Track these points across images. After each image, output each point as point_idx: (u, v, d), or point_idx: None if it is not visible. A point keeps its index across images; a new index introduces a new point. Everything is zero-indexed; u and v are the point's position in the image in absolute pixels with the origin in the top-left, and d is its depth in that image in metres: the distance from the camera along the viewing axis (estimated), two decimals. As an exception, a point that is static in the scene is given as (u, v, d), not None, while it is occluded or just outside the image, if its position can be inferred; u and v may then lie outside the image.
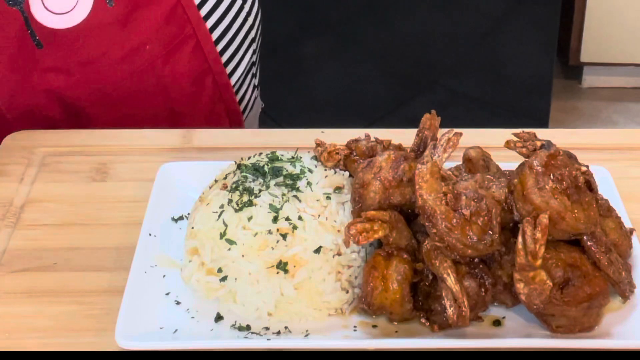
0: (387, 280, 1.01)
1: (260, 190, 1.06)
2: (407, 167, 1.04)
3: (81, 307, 1.05)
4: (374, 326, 1.02)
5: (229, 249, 1.03)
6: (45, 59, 1.34)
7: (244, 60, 1.48)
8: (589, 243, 1.00)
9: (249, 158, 1.12)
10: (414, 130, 1.13)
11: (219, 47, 1.41)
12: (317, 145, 1.13)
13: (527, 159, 1.02)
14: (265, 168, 1.09)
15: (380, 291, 1.01)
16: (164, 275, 1.08)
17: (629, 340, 0.99)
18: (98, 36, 1.34)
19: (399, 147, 1.13)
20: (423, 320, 1.02)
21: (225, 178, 1.10)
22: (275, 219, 1.03)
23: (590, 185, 1.01)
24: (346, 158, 1.12)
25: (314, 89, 2.87)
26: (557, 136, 1.18)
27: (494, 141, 1.16)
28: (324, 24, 2.83)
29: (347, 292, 1.04)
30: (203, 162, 1.23)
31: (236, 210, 1.05)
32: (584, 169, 1.01)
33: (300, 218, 1.04)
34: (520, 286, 0.98)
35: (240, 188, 1.07)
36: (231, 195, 1.06)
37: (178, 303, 1.05)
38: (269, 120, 2.70)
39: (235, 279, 1.03)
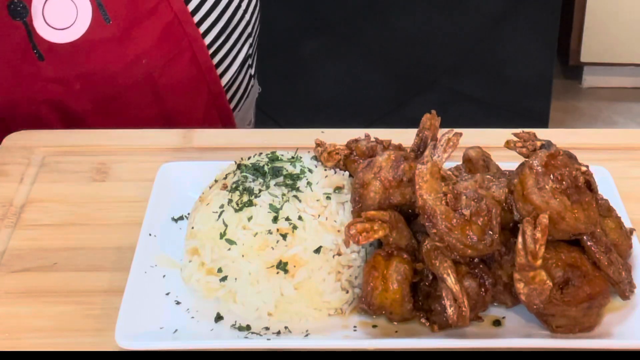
0: (387, 280, 1.01)
1: (260, 190, 1.06)
2: (407, 167, 1.04)
3: (81, 307, 1.05)
4: (374, 326, 1.02)
5: (229, 249, 1.03)
6: (47, 70, 1.38)
7: (239, 56, 1.50)
8: (589, 243, 1.00)
9: (249, 158, 1.12)
10: (414, 130, 1.13)
11: (214, 48, 1.44)
12: (317, 145, 1.13)
13: (527, 159, 1.02)
14: (265, 168, 1.09)
15: (380, 291, 1.01)
16: (164, 275, 1.08)
17: (629, 340, 0.99)
18: (97, 50, 1.38)
19: (399, 147, 1.13)
20: (423, 320, 1.02)
21: (225, 178, 1.10)
22: (275, 219, 1.03)
23: (590, 185, 1.01)
24: (346, 158, 1.12)
25: (314, 89, 2.87)
26: (557, 136, 1.18)
27: (494, 141, 1.16)
28: (324, 24, 2.83)
29: (347, 292, 1.04)
30: (203, 162, 1.23)
31: (236, 210, 1.05)
32: (584, 169, 1.01)
33: (300, 218, 1.04)
34: (520, 286, 0.98)
35: (240, 188, 1.07)
36: (231, 195, 1.06)
37: (178, 303, 1.05)
38: (269, 120, 2.70)
39: (235, 279, 1.03)
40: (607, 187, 1.15)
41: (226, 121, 1.51)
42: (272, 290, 1.02)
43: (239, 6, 1.48)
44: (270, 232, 1.03)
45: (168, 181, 1.20)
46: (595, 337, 1.00)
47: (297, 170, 1.09)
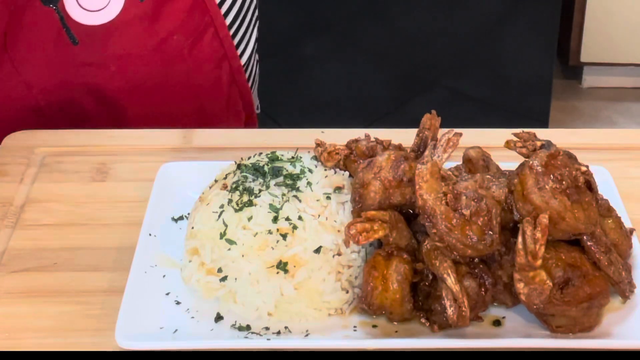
0: (387, 280, 1.01)
1: (260, 190, 1.06)
2: (408, 167, 1.04)
3: (81, 307, 1.05)
4: (374, 326, 1.02)
5: (229, 249, 1.03)
6: (81, 54, 1.39)
7: (252, 39, 1.54)
8: (589, 243, 1.00)
9: (249, 158, 1.12)
10: (414, 130, 1.13)
11: (232, 31, 1.47)
12: (317, 145, 1.13)
13: (527, 159, 1.02)
14: (265, 168, 1.09)
15: (380, 291, 1.01)
16: (164, 275, 1.08)
17: (629, 340, 0.99)
18: (131, 30, 1.40)
19: (399, 147, 1.13)
20: (423, 320, 1.02)
21: (225, 178, 1.10)
22: (275, 219, 1.03)
23: (590, 185, 1.01)
24: (346, 158, 1.12)
25: (314, 89, 2.87)
26: (557, 136, 1.18)
27: (494, 141, 1.16)
28: (324, 24, 2.83)
29: (347, 292, 1.04)
30: (203, 162, 1.23)
31: (236, 210, 1.05)
32: (584, 169, 1.01)
33: (300, 218, 1.04)
34: (520, 286, 0.98)
35: (240, 188, 1.07)
36: (231, 195, 1.06)
37: (178, 303, 1.05)
38: (269, 120, 2.70)
39: (235, 279, 1.03)
40: (607, 187, 1.15)
41: (246, 98, 1.54)
42: (272, 290, 1.02)
43: None
44: (270, 232, 1.03)
45: (168, 181, 1.20)
46: (595, 337, 0.99)
47: (297, 170, 1.09)
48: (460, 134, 1.04)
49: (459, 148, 1.04)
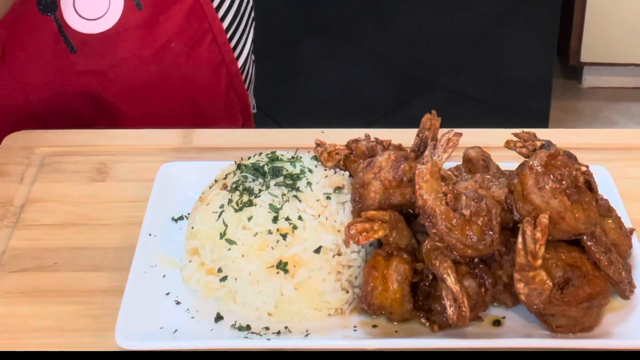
0: (387, 280, 1.01)
1: (260, 190, 1.06)
2: (408, 167, 1.04)
3: (81, 307, 1.05)
4: (374, 326, 1.02)
5: (229, 249, 1.03)
6: (79, 62, 1.40)
7: (249, 40, 1.53)
8: (589, 243, 1.00)
9: (249, 158, 1.12)
10: (414, 130, 1.13)
11: (230, 32, 1.48)
12: (317, 145, 1.13)
13: (527, 159, 1.02)
14: (265, 168, 1.09)
15: (380, 291, 1.01)
16: (164, 275, 1.08)
17: (629, 340, 0.99)
18: (129, 38, 1.40)
19: (399, 147, 1.13)
20: (423, 320, 1.02)
21: (225, 178, 1.10)
22: (275, 219, 1.03)
23: (590, 185, 1.01)
24: (346, 158, 1.12)
25: (314, 89, 2.87)
26: (557, 136, 1.18)
27: (494, 141, 1.16)
28: (324, 24, 2.83)
29: (347, 292, 1.04)
30: (203, 162, 1.23)
31: (236, 210, 1.05)
32: (584, 169, 1.01)
33: (300, 218, 1.04)
34: (520, 286, 0.98)
35: (240, 188, 1.07)
36: (231, 195, 1.06)
37: (178, 303, 1.05)
38: (269, 120, 2.70)
39: (235, 279, 1.03)
40: (607, 187, 1.15)
41: (243, 102, 1.55)
42: (272, 290, 1.02)
43: None
44: (270, 232, 1.03)
45: (168, 181, 1.20)
46: (595, 337, 1.00)
47: (297, 170, 1.09)
48: (460, 134, 1.04)
49: (459, 148, 1.04)
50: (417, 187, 1.00)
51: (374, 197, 1.04)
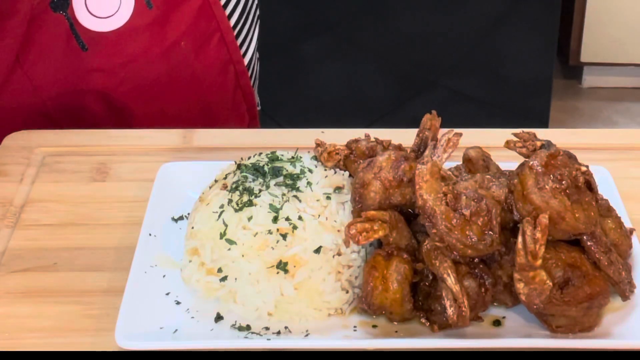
0: (387, 280, 1.01)
1: (260, 190, 1.06)
2: (408, 167, 1.04)
3: (81, 307, 1.05)
4: (374, 326, 1.02)
5: (229, 249, 1.03)
6: (90, 60, 1.40)
7: (254, 39, 1.54)
8: (589, 243, 1.00)
9: (249, 158, 1.12)
10: (414, 131, 1.13)
11: (235, 31, 1.49)
12: (317, 145, 1.13)
13: (527, 159, 1.02)
14: (265, 168, 1.09)
15: (380, 291, 1.01)
16: (164, 275, 1.08)
17: (629, 340, 0.99)
18: (139, 37, 1.41)
19: (399, 147, 1.13)
20: (423, 320, 1.02)
21: (225, 178, 1.10)
22: (275, 219, 1.03)
23: (590, 185, 1.01)
24: (346, 158, 1.12)
25: (314, 89, 2.87)
26: (557, 136, 1.18)
27: (494, 141, 1.16)
28: (324, 24, 2.83)
29: (347, 292, 1.04)
30: (203, 162, 1.23)
31: (236, 210, 1.05)
32: (584, 169, 1.01)
33: (300, 218, 1.04)
34: (520, 286, 0.98)
35: (240, 188, 1.07)
36: (231, 195, 1.06)
37: (178, 303, 1.05)
38: (269, 120, 2.70)
39: (235, 279, 1.03)
40: (607, 187, 1.15)
41: (249, 101, 1.56)
42: (272, 290, 1.02)
43: None
44: (270, 232, 1.03)
45: (168, 181, 1.20)
46: (595, 337, 1.00)
47: (297, 170, 1.09)
48: (460, 134, 1.04)
49: (459, 148, 1.04)
50: (417, 187, 1.00)
51: (374, 197, 1.04)
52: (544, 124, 2.89)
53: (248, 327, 1.02)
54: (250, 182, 1.07)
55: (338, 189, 1.08)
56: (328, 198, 1.06)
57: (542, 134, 1.09)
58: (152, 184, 1.19)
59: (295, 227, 1.03)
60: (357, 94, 2.88)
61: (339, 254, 1.04)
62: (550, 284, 0.97)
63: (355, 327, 1.02)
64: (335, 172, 1.10)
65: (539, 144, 1.05)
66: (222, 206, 1.06)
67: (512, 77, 2.86)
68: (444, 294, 0.98)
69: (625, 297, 1.03)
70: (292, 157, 1.12)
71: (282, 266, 1.02)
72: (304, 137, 1.26)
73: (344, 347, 0.99)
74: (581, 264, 0.99)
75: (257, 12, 1.59)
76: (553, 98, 2.95)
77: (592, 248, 1.00)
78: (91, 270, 1.10)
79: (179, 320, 1.02)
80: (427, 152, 1.02)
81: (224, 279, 1.04)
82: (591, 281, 0.99)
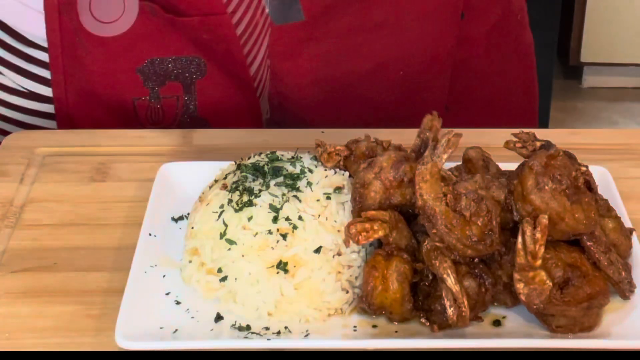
0: (387, 280, 1.01)
1: (260, 190, 1.06)
2: (408, 167, 1.04)
3: (81, 307, 1.05)
4: (374, 326, 1.02)
5: (229, 249, 1.03)
6: (94, 64, 1.39)
7: (262, 48, 1.52)
8: (588, 243, 1.00)
9: (249, 158, 1.13)
10: (415, 131, 1.13)
11: (244, 38, 1.46)
12: (317, 145, 1.13)
13: (527, 160, 1.02)
14: (265, 168, 1.09)
15: (380, 291, 1.01)
16: (164, 275, 1.08)
17: (629, 340, 0.99)
18: (143, 43, 1.40)
19: (399, 148, 1.13)
20: (423, 320, 1.02)
21: (225, 178, 1.10)
22: (275, 219, 1.03)
23: (590, 186, 1.01)
24: (346, 159, 1.12)
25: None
26: (557, 136, 1.18)
27: (494, 141, 1.16)
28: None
29: (347, 292, 1.04)
30: (203, 162, 1.23)
31: (236, 210, 1.05)
32: (583, 169, 1.01)
33: (300, 218, 1.04)
34: (520, 286, 0.98)
35: (240, 188, 1.07)
36: (231, 195, 1.06)
37: (178, 303, 1.05)
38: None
39: (235, 279, 1.03)
40: (607, 187, 1.15)
41: (254, 111, 1.54)
42: (272, 290, 1.02)
43: None
44: (270, 232, 1.03)
45: (168, 181, 1.20)
46: (595, 337, 0.99)
47: (297, 170, 1.09)
48: (460, 135, 1.04)
49: (459, 148, 1.04)
50: (417, 187, 1.00)
51: (374, 197, 1.04)
52: (544, 124, 2.89)
53: (248, 327, 1.02)
54: (250, 182, 1.07)
55: (338, 189, 1.08)
56: (328, 198, 1.06)
57: (542, 134, 1.09)
58: (152, 184, 1.19)
59: (295, 227, 1.03)
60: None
61: (339, 254, 1.04)
62: (550, 284, 0.97)
63: (355, 327, 1.02)
64: (335, 173, 1.10)
65: (538, 144, 1.05)
66: (222, 206, 1.06)
67: (512, 77, 2.86)
68: (444, 294, 0.98)
69: (625, 297, 1.03)
70: (292, 157, 1.12)
71: (282, 266, 1.02)
72: (304, 137, 1.26)
73: (344, 347, 0.99)
74: (581, 264, 0.99)
75: (268, 20, 1.57)
76: (553, 98, 2.95)
77: (592, 248, 1.00)
78: (91, 270, 1.10)
79: (179, 320, 1.02)
80: (427, 153, 1.02)
81: (224, 279, 1.04)
82: (591, 281, 0.99)
